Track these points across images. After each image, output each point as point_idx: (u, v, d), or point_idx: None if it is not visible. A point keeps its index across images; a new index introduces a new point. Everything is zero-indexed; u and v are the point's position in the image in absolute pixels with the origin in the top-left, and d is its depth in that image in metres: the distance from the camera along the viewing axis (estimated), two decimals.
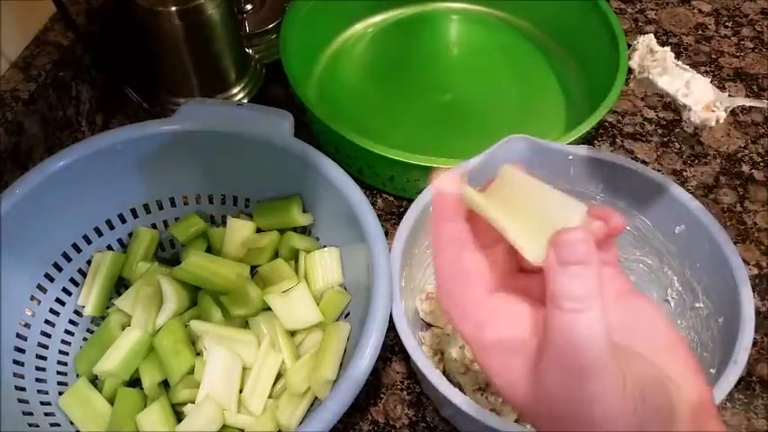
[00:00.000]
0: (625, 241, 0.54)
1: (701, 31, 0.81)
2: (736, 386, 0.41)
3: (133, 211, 0.55)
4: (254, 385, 0.48)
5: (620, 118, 0.71)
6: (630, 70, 0.46)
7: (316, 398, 0.47)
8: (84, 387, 0.49)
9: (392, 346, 0.54)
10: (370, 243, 0.46)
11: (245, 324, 0.51)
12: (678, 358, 0.28)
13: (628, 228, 0.53)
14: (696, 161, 0.67)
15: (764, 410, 0.51)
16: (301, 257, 0.53)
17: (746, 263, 0.59)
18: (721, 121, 0.43)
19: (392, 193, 0.64)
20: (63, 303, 0.52)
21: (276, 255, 0.55)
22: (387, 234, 0.48)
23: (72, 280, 0.53)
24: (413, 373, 0.53)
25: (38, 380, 0.48)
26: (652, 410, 0.26)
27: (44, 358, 0.50)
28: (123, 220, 0.55)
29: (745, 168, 0.67)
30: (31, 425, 0.45)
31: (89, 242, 0.54)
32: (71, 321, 0.53)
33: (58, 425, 0.47)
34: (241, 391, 0.48)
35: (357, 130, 0.59)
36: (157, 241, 0.56)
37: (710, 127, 0.43)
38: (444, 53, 0.80)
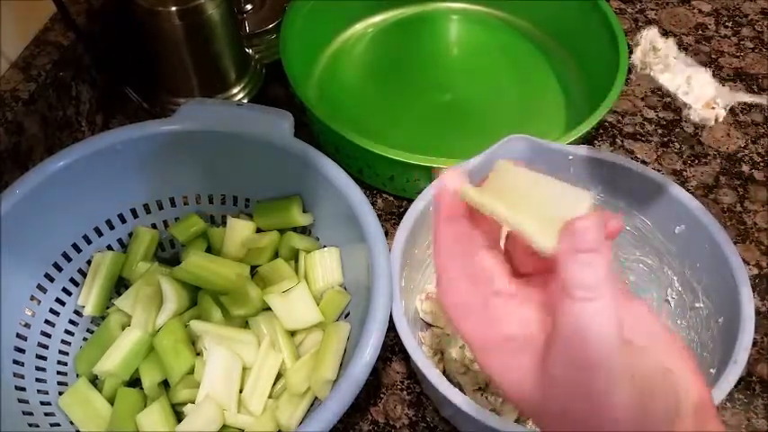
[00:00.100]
0: (625, 241, 0.54)
1: (700, 31, 0.81)
2: (736, 386, 0.41)
3: (133, 211, 0.55)
4: (254, 385, 0.48)
5: (620, 118, 0.71)
6: (632, 66, 0.46)
7: (316, 398, 0.47)
8: (84, 387, 0.49)
9: (392, 346, 0.54)
10: (370, 243, 0.46)
11: (245, 324, 0.51)
12: (677, 358, 0.28)
13: (628, 228, 0.53)
14: (696, 161, 0.67)
15: (764, 410, 0.51)
16: (301, 257, 0.53)
17: (746, 263, 0.59)
18: (720, 119, 0.43)
19: (392, 193, 0.64)
20: (63, 303, 0.52)
21: (276, 255, 0.55)
22: (387, 234, 0.48)
23: (72, 280, 0.53)
24: (413, 373, 0.53)
25: (38, 380, 0.48)
26: (659, 405, 0.26)
27: (44, 358, 0.50)
28: (123, 220, 0.55)
29: (745, 168, 0.67)
30: (31, 425, 0.45)
31: (89, 242, 0.54)
32: (71, 321, 0.52)
33: (58, 425, 0.47)
34: (241, 391, 0.48)
35: (357, 130, 0.59)
36: (157, 241, 0.56)
37: (710, 126, 0.43)
38: (444, 53, 0.80)
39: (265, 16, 0.76)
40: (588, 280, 0.25)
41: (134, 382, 0.50)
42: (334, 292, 0.51)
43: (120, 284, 0.55)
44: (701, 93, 0.44)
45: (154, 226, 0.57)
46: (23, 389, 0.47)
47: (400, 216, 0.61)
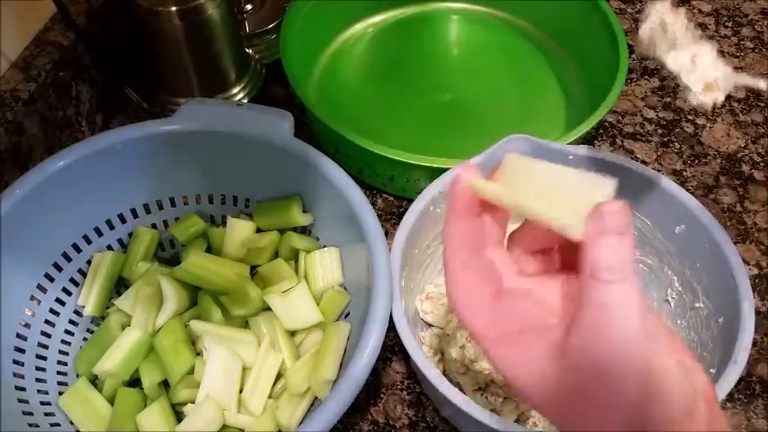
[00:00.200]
0: None
1: (701, 32, 0.81)
2: (736, 386, 0.41)
3: (133, 211, 0.55)
4: (254, 385, 0.48)
5: (620, 118, 0.71)
6: (638, 41, 0.44)
7: (316, 398, 0.47)
8: (84, 387, 0.49)
9: (392, 346, 0.54)
10: (370, 243, 0.46)
11: (245, 324, 0.51)
12: (682, 354, 0.28)
13: None
14: (696, 161, 0.67)
15: (764, 410, 0.51)
16: (301, 257, 0.53)
17: (746, 263, 0.59)
18: (718, 102, 0.42)
19: (392, 193, 0.64)
20: (63, 303, 0.52)
21: (276, 255, 0.55)
22: (387, 234, 0.48)
23: (72, 280, 0.53)
24: (413, 373, 0.53)
25: (38, 380, 0.48)
26: (675, 390, 0.26)
27: (44, 358, 0.50)
28: (123, 220, 0.55)
29: (745, 168, 0.67)
30: (31, 425, 0.45)
31: (89, 242, 0.54)
32: (71, 321, 0.52)
33: (58, 425, 0.47)
34: (241, 391, 0.48)
35: (357, 130, 0.59)
36: (157, 241, 0.56)
37: (706, 110, 0.42)
38: (444, 53, 0.80)
39: (265, 16, 0.76)
40: (615, 262, 0.26)
41: (134, 382, 0.50)
42: (334, 292, 0.51)
43: (120, 284, 0.55)
44: (704, 73, 0.43)
45: (154, 226, 0.57)
46: (23, 389, 0.47)
47: (400, 216, 0.61)
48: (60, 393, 0.49)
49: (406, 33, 0.81)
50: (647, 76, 0.75)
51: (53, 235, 0.51)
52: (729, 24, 0.81)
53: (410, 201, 0.52)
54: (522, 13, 0.80)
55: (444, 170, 0.52)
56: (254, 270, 0.54)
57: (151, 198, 0.56)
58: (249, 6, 0.77)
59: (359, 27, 0.81)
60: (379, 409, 0.51)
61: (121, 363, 0.48)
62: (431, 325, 0.54)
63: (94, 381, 0.50)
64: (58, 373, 0.50)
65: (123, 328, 0.51)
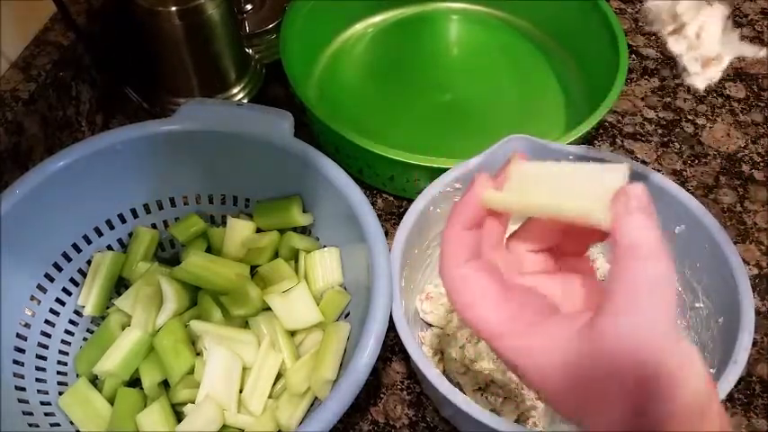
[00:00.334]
0: None
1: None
2: (736, 386, 0.41)
3: (133, 211, 0.55)
4: (254, 385, 0.48)
5: (620, 118, 0.71)
6: (645, 11, 0.44)
7: (316, 398, 0.47)
8: (84, 387, 0.49)
9: (392, 346, 0.54)
10: (370, 243, 0.46)
11: (245, 324, 0.51)
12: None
13: None
14: (696, 161, 0.67)
15: (764, 410, 0.51)
16: (301, 257, 0.53)
17: (746, 263, 0.59)
18: (714, 80, 0.42)
19: (392, 193, 0.64)
20: (63, 303, 0.52)
21: (276, 255, 0.55)
22: (387, 234, 0.48)
23: (72, 280, 0.53)
24: (413, 373, 0.53)
25: (38, 380, 0.48)
26: (692, 376, 0.26)
27: (44, 358, 0.50)
28: (123, 220, 0.55)
29: (745, 168, 0.67)
30: (31, 425, 0.45)
31: (89, 242, 0.54)
32: (71, 321, 0.52)
33: (58, 425, 0.47)
34: (241, 391, 0.48)
35: (357, 130, 0.59)
36: (157, 241, 0.56)
37: (700, 90, 0.41)
38: (444, 53, 0.80)
39: (265, 16, 0.76)
40: (647, 241, 0.26)
41: (134, 382, 0.50)
42: (334, 292, 0.51)
43: (120, 284, 0.55)
44: (706, 50, 0.42)
45: (154, 226, 0.57)
46: (23, 389, 0.47)
47: (400, 216, 0.61)
48: (60, 393, 0.49)
49: (406, 33, 0.81)
50: (647, 76, 0.75)
51: (53, 235, 0.51)
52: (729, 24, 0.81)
53: (410, 201, 0.52)
54: (522, 13, 0.80)
55: (444, 170, 0.52)
56: (254, 270, 0.54)
57: (151, 198, 0.56)
58: (249, 6, 0.77)
59: (359, 27, 0.81)
60: (379, 409, 0.51)
61: (121, 363, 0.48)
62: (431, 325, 0.54)
63: (94, 381, 0.50)
64: (58, 373, 0.50)
65: (123, 328, 0.51)
